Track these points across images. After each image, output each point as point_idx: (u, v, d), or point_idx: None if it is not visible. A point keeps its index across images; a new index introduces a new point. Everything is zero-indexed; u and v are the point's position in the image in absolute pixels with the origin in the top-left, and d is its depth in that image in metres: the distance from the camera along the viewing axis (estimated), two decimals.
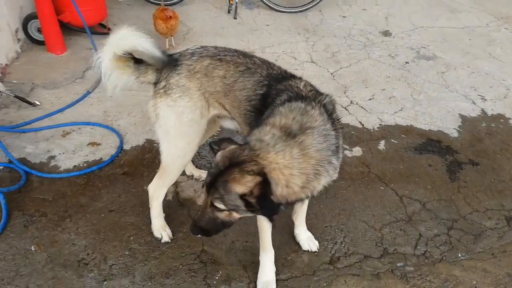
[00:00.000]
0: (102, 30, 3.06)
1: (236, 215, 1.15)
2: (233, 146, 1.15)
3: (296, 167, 1.11)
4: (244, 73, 1.37)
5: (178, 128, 1.42)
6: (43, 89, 2.43)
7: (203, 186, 1.19)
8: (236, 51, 1.46)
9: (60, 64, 2.62)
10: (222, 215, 1.16)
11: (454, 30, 3.67)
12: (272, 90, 1.31)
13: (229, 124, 1.57)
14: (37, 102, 2.28)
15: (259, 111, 1.32)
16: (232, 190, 1.08)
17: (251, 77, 1.36)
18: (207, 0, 3.96)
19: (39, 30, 2.73)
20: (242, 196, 1.08)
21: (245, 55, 1.44)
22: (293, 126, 1.16)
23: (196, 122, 1.43)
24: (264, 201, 1.07)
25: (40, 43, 2.77)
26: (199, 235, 1.24)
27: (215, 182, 1.10)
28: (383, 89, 2.67)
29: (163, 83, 1.41)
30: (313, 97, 1.28)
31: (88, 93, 2.38)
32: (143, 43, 1.34)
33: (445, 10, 4.12)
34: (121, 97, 2.32)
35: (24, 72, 2.51)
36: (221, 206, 1.12)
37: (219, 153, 1.15)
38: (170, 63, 1.39)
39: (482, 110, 2.55)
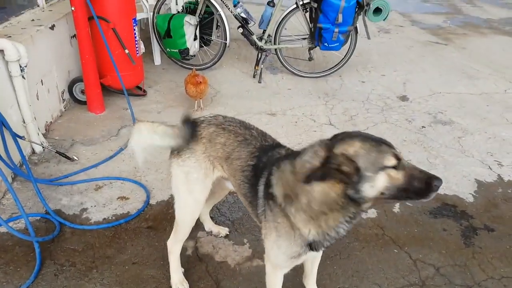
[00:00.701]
0: (138, 92, 3.36)
1: None
2: None
3: None
4: (241, 143, 1.49)
5: (186, 185, 1.56)
6: (82, 145, 2.67)
7: None
8: (240, 122, 1.59)
9: (98, 123, 2.88)
10: None
11: (472, 96, 3.79)
12: (260, 162, 1.40)
13: (232, 186, 1.67)
14: (75, 157, 2.51)
15: (251, 183, 1.41)
16: None
17: (246, 147, 1.47)
18: (234, 65, 4.29)
19: (82, 92, 3.05)
20: None
21: (246, 126, 1.57)
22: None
23: (201, 181, 1.55)
24: None
25: (82, 103, 3.07)
26: None
27: None
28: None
29: None
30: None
31: (121, 149, 2.59)
32: (156, 141, 1.50)
33: (463, 77, 4.26)
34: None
35: (65, 129, 2.78)
36: None
37: None
38: (188, 134, 1.50)
39: (499, 175, 2.58)
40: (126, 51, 2.94)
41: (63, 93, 2.98)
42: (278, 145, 1.52)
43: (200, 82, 2.97)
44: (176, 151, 1.56)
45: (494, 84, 4.04)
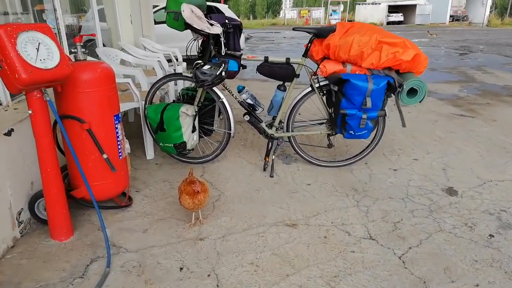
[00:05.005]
0: (121, 202, 2.68)
1: None
2: None
3: None
4: None
5: None
6: None
7: None
8: None
9: (60, 255, 2.14)
10: None
11: None
12: None
13: None
14: None
15: None
16: None
17: None
18: (240, 155, 3.66)
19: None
20: None
21: None
22: None
23: None
24: None
25: (47, 222, 2.36)
26: None
27: None
28: (476, 285, 1.99)
29: None
30: None
31: None
32: None
33: (509, 158, 3.61)
34: None
35: (13, 270, 2.03)
36: None
37: None
38: None
39: None
40: (104, 156, 2.31)
41: (20, 213, 2.29)
42: None
43: (198, 191, 2.29)
44: None
45: None
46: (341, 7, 36.24)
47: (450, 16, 36.56)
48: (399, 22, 36.03)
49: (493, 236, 2.41)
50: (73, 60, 2.33)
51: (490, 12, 34.71)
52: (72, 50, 2.37)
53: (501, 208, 2.73)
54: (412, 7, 36.16)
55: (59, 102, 2.27)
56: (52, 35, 1.92)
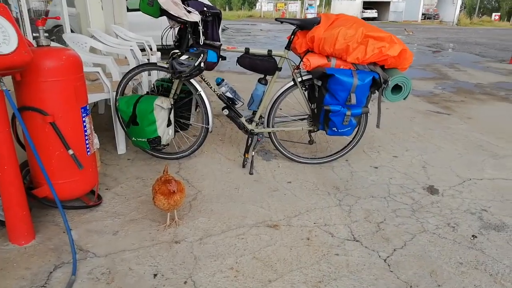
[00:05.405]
0: (89, 201, 2.48)
1: None
2: None
3: None
4: None
5: None
6: None
7: None
8: None
9: (20, 261, 1.94)
10: None
11: (508, 182, 3.10)
12: None
13: None
14: None
15: None
16: None
17: None
18: (218, 150, 3.51)
19: None
20: None
21: None
22: None
23: None
24: None
25: (4, 224, 2.14)
26: None
27: None
28: None
29: None
30: None
31: None
32: None
33: (486, 156, 3.63)
34: None
35: None
36: None
37: None
38: None
39: None
40: (70, 152, 2.10)
41: None
42: None
43: (174, 191, 2.13)
44: None
45: None
46: (317, 1, 36.39)
47: (422, 14, 37.45)
48: (373, 19, 36.56)
49: (476, 237, 2.38)
50: (35, 45, 2.11)
51: (460, 11, 35.76)
52: (34, 35, 2.14)
53: (481, 208, 2.72)
54: (386, 4, 36.77)
55: (19, 93, 2.04)
56: (9, 16, 1.70)
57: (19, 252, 2.00)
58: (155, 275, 1.91)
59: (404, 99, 2.76)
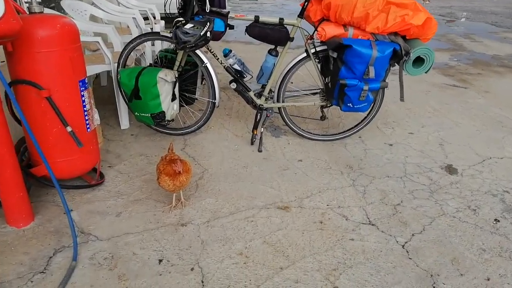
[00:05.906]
0: (91, 180, 2.36)
1: None
2: None
3: None
4: None
5: None
6: None
7: None
8: None
9: (18, 245, 1.84)
10: None
11: None
12: None
13: None
14: None
15: None
16: None
17: None
18: (225, 126, 3.35)
19: None
20: None
21: None
22: None
23: None
24: None
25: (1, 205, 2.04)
26: None
27: None
28: (487, 279, 1.82)
29: None
30: None
31: None
32: None
33: (507, 133, 3.45)
34: None
35: None
36: None
37: None
38: None
39: None
40: (68, 129, 1.96)
41: None
42: None
43: (180, 172, 1.99)
44: None
45: None
46: None
47: None
48: None
49: (498, 221, 2.25)
50: (27, 12, 1.92)
51: None
52: (26, 1, 1.95)
53: (503, 189, 2.57)
54: None
55: (12, 65, 1.89)
56: None
57: (17, 235, 1.90)
58: (160, 260, 1.81)
59: (426, 72, 2.56)
